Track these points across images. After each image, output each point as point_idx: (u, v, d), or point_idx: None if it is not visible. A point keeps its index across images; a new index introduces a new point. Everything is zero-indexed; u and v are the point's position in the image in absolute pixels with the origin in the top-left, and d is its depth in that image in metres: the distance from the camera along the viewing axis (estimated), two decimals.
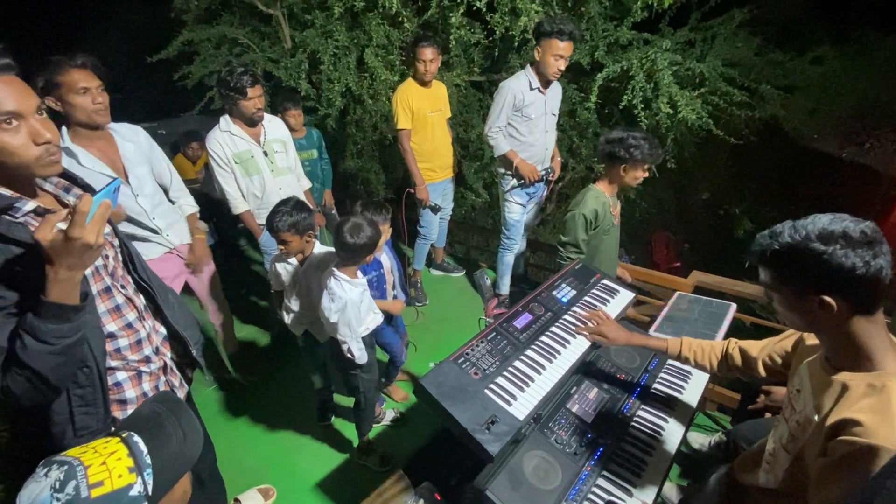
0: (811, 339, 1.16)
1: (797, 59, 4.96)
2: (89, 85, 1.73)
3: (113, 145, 1.93)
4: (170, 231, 2.15)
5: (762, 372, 1.31)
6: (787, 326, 1.06)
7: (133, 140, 2.01)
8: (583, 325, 1.69)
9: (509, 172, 2.94)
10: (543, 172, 2.96)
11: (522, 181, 2.94)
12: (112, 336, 1.17)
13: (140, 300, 1.26)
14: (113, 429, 0.79)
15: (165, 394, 0.87)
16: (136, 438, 0.74)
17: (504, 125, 2.81)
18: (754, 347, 1.35)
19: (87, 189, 1.14)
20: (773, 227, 0.95)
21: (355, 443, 2.33)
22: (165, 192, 2.21)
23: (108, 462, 0.69)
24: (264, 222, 2.55)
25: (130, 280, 1.25)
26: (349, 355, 1.84)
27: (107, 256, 1.17)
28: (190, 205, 2.29)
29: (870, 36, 6.22)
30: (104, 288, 1.14)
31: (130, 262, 1.26)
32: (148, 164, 2.08)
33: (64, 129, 1.81)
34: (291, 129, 3.27)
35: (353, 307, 1.75)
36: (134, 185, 1.99)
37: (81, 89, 1.71)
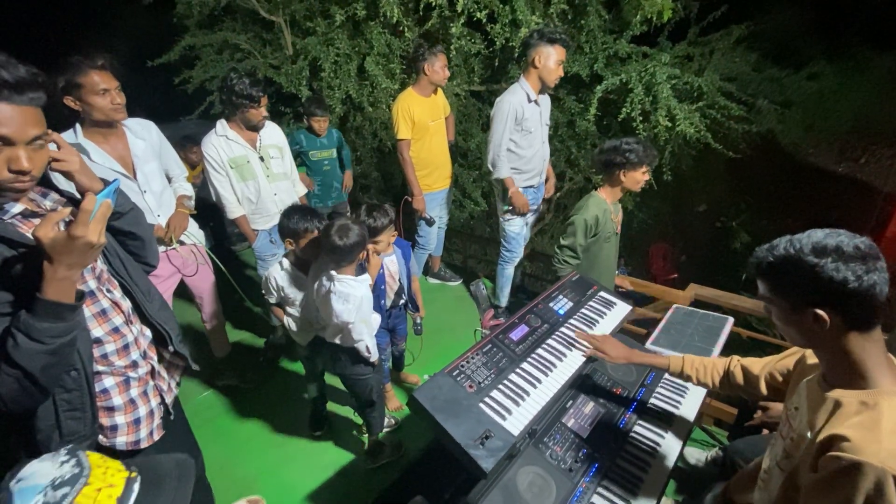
0: (812, 358, 1.15)
1: (794, 74, 5.02)
2: (109, 86, 1.78)
3: (124, 142, 1.98)
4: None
5: (764, 390, 1.30)
6: (784, 341, 1.06)
7: (145, 137, 2.05)
8: (582, 343, 1.67)
9: (507, 205, 2.94)
10: (534, 209, 3.03)
11: (512, 208, 2.95)
12: (98, 341, 1.14)
13: (127, 304, 1.24)
14: (132, 467, 0.79)
15: (186, 460, 0.88)
16: (136, 487, 0.74)
17: (507, 145, 2.77)
18: (756, 365, 1.34)
19: (61, 193, 1.14)
20: (772, 241, 0.96)
21: (349, 455, 2.31)
22: (169, 180, 2.25)
23: (101, 494, 0.70)
24: (259, 227, 2.57)
25: (117, 283, 1.23)
26: (366, 353, 1.87)
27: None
28: (185, 188, 2.30)
29: (865, 53, 6.30)
30: (89, 291, 1.12)
31: (114, 257, 1.24)
32: (157, 160, 2.12)
33: (78, 125, 1.86)
34: (315, 134, 3.26)
35: (367, 302, 1.80)
36: (141, 181, 2.03)
37: (102, 90, 1.77)
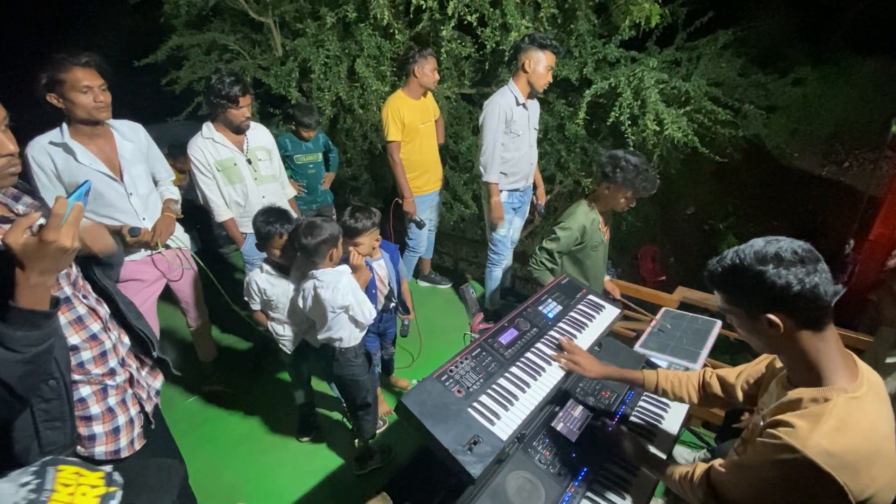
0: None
1: (779, 80, 5.10)
2: (91, 84, 1.74)
3: (112, 143, 1.95)
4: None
5: (741, 398, 1.31)
6: None
7: (133, 139, 2.02)
8: (557, 354, 1.62)
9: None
10: (522, 212, 3.07)
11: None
12: (75, 349, 1.12)
13: (104, 309, 1.21)
14: (114, 480, 0.78)
15: (172, 465, 0.86)
16: (118, 493, 0.73)
17: (500, 148, 2.75)
18: (731, 374, 1.35)
19: (34, 197, 1.11)
20: (721, 253, 1.01)
21: (337, 461, 2.29)
22: (156, 183, 2.21)
23: (76, 496, 0.68)
24: (248, 230, 2.53)
25: (90, 289, 1.20)
26: (367, 319, 1.88)
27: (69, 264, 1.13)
28: (172, 192, 2.26)
29: (849, 59, 6.44)
30: (64, 298, 1.10)
31: (88, 265, 1.21)
32: (145, 162, 2.09)
33: (64, 124, 1.81)
34: (303, 139, 3.24)
35: (349, 278, 1.84)
36: (128, 183, 1.99)
37: (84, 87, 1.73)
